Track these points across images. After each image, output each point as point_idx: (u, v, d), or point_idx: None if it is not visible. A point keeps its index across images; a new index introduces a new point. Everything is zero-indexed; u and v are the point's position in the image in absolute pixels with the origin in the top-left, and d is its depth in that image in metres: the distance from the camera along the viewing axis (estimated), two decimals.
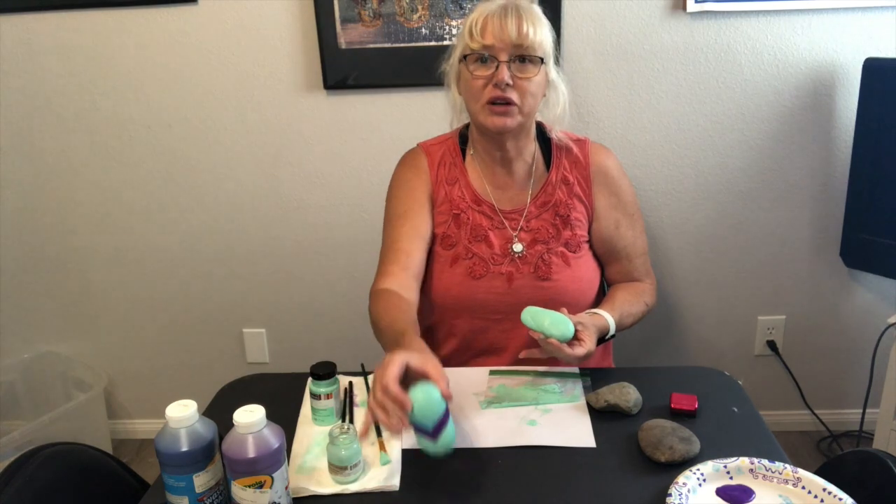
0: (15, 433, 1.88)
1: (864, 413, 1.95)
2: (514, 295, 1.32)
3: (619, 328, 1.32)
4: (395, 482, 0.99)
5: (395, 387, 0.93)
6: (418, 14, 1.82)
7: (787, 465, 0.97)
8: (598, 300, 1.41)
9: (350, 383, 1.23)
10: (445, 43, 1.82)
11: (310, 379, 1.13)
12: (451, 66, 1.33)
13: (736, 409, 1.15)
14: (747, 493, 0.94)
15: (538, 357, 1.21)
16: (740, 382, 1.23)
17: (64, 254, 2.12)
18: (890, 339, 1.81)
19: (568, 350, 1.15)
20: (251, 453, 0.86)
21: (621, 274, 1.43)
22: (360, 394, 1.21)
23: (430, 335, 1.43)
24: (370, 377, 1.24)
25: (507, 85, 1.22)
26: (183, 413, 0.87)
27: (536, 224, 1.35)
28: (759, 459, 0.98)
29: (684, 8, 1.80)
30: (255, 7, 1.85)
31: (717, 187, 1.97)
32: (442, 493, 0.98)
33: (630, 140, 1.93)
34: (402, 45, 1.84)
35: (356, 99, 1.92)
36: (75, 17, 1.88)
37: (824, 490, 0.92)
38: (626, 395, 1.13)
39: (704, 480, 0.96)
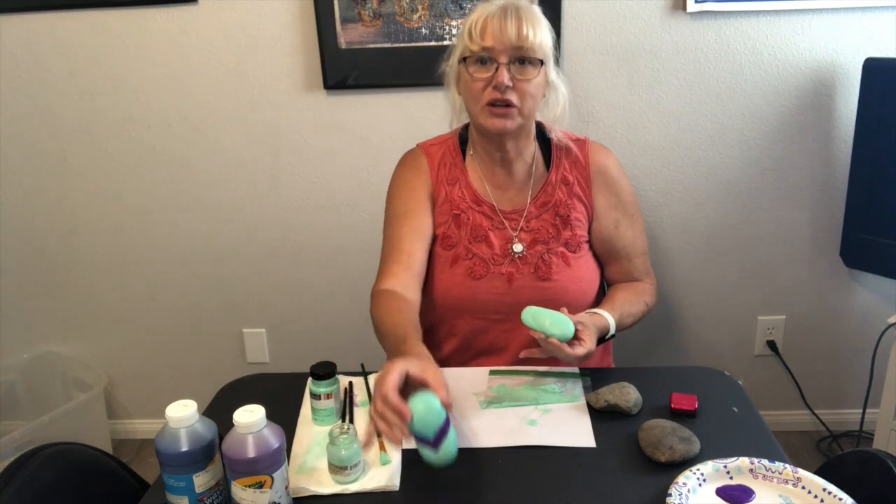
0: (15, 433, 1.88)
1: (864, 413, 1.95)
2: (514, 295, 1.32)
3: (620, 328, 1.32)
4: (395, 482, 0.99)
5: (394, 396, 0.92)
6: (418, 14, 1.82)
7: (787, 465, 0.97)
8: (599, 300, 1.41)
9: (350, 383, 1.23)
10: (445, 43, 1.82)
11: (310, 379, 1.13)
12: (450, 66, 1.32)
13: (736, 409, 1.15)
14: (747, 493, 0.94)
15: (538, 357, 1.21)
16: (740, 382, 1.23)
17: (64, 254, 2.12)
18: (890, 339, 1.81)
19: (568, 350, 1.15)
20: (251, 453, 0.86)
21: (621, 274, 1.43)
22: (360, 394, 1.21)
23: (431, 335, 1.43)
24: (370, 377, 1.24)
25: (507, 87, 1.22)
26: (183, 413, 0.87)
27: (536, 224, 1.35)
28: (759, 459, 0.98)
29: (684, 8, 1.80)
30: (255, 7, 1.85)
31: (717, 187, 1.97)
32: (442, 493, 0.98)
33: (630, 140, 1.93)
34: (402, 45, 1.84)
35: (356, 99, 1.92)
36: (75, 17, 1.88)
37: (824, 490, 0.92)
38: (626, 395, 1.13)
39: (704, 480, 0.96)
